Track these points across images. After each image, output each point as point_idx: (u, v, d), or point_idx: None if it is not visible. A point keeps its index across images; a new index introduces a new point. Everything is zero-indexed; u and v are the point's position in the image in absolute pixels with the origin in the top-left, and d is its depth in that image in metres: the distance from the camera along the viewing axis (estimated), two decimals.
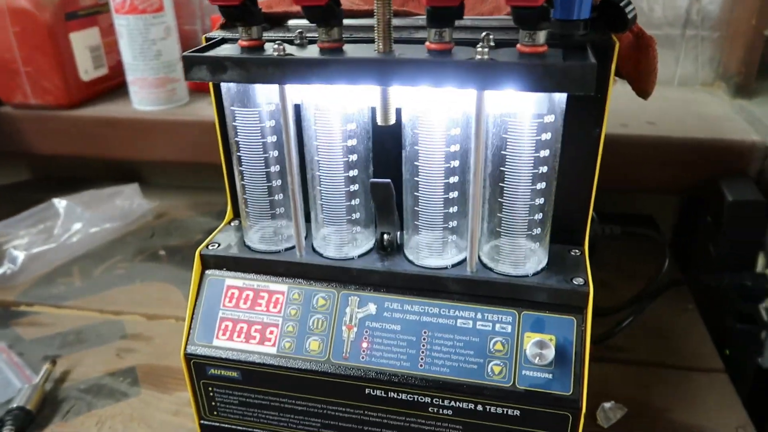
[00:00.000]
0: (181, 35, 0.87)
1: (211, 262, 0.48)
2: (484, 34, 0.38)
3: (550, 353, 0.40)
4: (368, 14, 0.45)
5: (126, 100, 0.88)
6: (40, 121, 0.86)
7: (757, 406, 0.57)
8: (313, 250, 0.47)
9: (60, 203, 0.77)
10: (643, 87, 0.46)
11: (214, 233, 0.50)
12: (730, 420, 0.53)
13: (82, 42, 0.85)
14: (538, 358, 0.40)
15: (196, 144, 0.85)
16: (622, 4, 0.40)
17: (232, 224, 0.52)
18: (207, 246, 0.48)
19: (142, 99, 0.85)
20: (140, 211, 0.83)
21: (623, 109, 0.74)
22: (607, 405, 0.53)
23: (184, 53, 0.40)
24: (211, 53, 0.41)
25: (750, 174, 0.71)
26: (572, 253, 0.46)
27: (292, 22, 0.47)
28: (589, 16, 0.41)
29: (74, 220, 0.76)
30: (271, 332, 0.45)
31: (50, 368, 0.58)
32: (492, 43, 0.37)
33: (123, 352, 0.62)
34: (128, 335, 0.65)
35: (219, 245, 0.48)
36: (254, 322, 0.46)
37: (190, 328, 0.47)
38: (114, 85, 0.92)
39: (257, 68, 0.39)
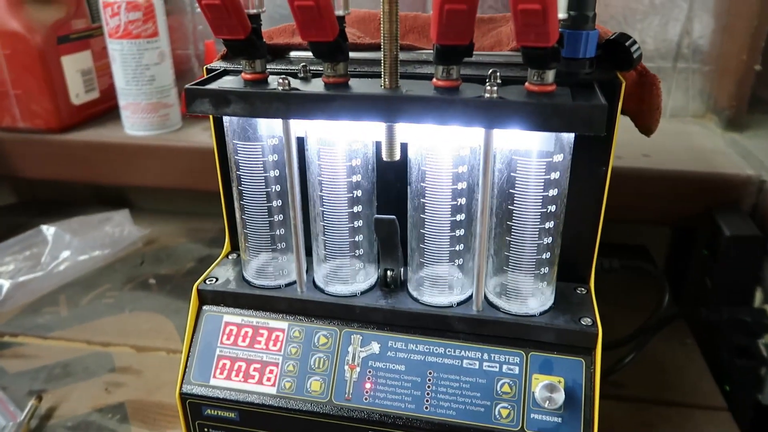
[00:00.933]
0: (174, 60, 0.87)
1: (208, 297, 0.46)
2: (491, 71, 0.38)
3: (560, 397, 0.39)
4: (373, 48, 0.45)
5: (117, 124, 0.87)
6: (28, 145, 0.84)
7: None
8: (315, 286, 0.46)
9: (48, 230, 0.75)
10: (646, 124, 0.46)
11: (211, 267, 0.49)
12: None
13: (74, 65, 0.84)
14: (548, 402, 0.39)
15: (188, 170, 0.84)
16: (627, 43, 0.40)
17: (230, 257, 0.51)
18: (204, 281, 0.47)
19: (134, 124, 0.83)
20: (131, 238, 0.81)
21: (618, 141, 0.74)
22: None
23: (187, 86, 0.40)
24: (214, 85, 0.40)
25: (744, 207, 0.72)
26: (578, 292, 0.45)
27: (293, 54, 0.47)
28: (594, 54, 0.41)
29: (62, 247, 0.74)
30: (271, 371, 0.44)
31: (36, 404, 0.56)
32: (499, 81, 0.37)
33: (112, 387, 0.60)
34: (117, 368, 0.63)
35: (217, 280, 0.47)
36: (253, 360, 0.44)
37: (186, 366, 0.45)
38: (105, 109, 0.91)
39: (261, 103, 0.38)
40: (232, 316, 0.46)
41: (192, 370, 0.45)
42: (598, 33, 0.39)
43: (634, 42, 0.40)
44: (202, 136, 0.85)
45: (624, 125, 0.47)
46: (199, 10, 0.96)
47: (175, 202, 0.98)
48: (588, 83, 0.39)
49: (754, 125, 0.83)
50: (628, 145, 0.77)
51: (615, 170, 0.72)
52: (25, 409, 0.55)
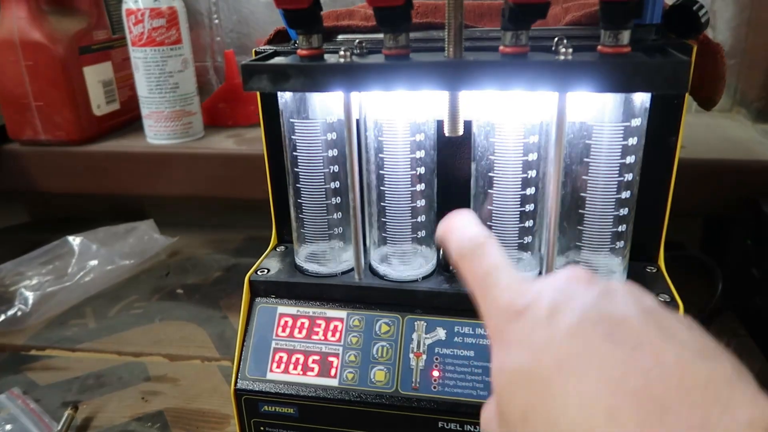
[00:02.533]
0: None
1: (261, 288, 0.44)
2: (556, 38, 0.37)
3: None
4: (434, 27, 0.44)
5: (138, 135, 0.86)
6: (49, 158, 0.83)
7: None
8: (372, 272, 0.44)
9: (74, 240, 0.73)
10: (710, 95, 0.45)
11: (260, 259, 0.47)
12: None
13: (96, 76, 0.83)
14: None
15: (213, 178, 0.82)
16: (695, 8, 0.39)
17: (278, 249, 0.49)
18: (256, 272, 0.45)
19: (157, 133, 0.82)
20: (157, 247, 0.79)
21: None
22: None
23: (243, 62, 0.38)
24: (270, 62, 0.39)
25: None
26: (648, 270, 0.43)
27: (341, 37, 0.46)
28: (660, 20, 0.40)
29: (89, 257, 0.72)
30: (332, 363, 0.42)
31: (72, 414, 0.53)
32: (569, 46, 0.36)
33: (148, 395, 0.58)
34: (152, 377, 0.61)
35: (268, 271, 0.45)
36: (312, 352, 0.42)
37: (240, 361, 0.43)
38: (125, 121, 0.90)
39: (323, 76, 0.37)
40: (286, 307, 0.44)
41: (247, 365, 0.43)
42: None
43: (702, 6, 0.39)
44: (226, 143, 0.83)
45: None
46: (217, 21, 0.96)
47: (197, 213, 0.97)
48: (659, 48, 0.38)
49: None
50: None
51: None
52: (60, 420, 0.52)
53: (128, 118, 0.89)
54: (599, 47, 0.36)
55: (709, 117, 0.88)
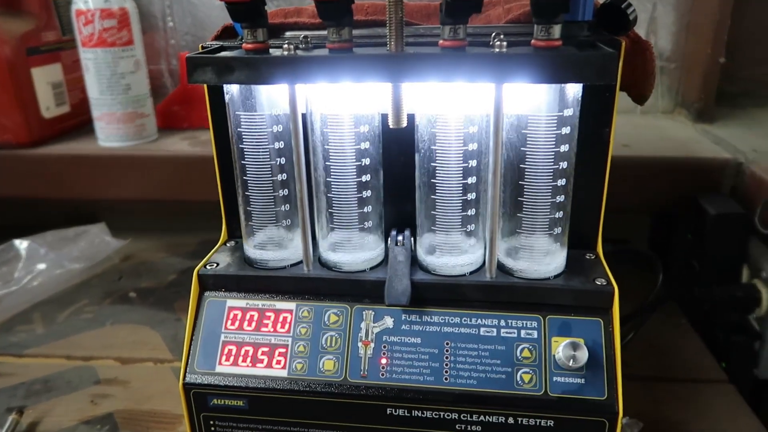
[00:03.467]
0: None
1: (210, 282, 0.44)
2: (494, 33, 0.38)
3: (583, 354, 0.38)
4: (375, 24, 0.45)
5: (90, 138, 0.84)
6: None
7: (757, 417, 0.57)
8: (321, 263, 0.45)
9: (21, 244, 0.71)
10: (641, 91, 0.47)
11: (209, 254, 0.47)
12: (745, 428, 0.52)
13: (44, 78, 0.81)
14: (572, 360, 0.38)
15: (166, 181, 0.81)
16: (623, 6, 0.41)
17: (228, 245, 0.49)
18: (204, 266, 0.45)
19: (109, 135, 0.81)
20: (108, 251, 0.78)
21: None
22: (623, 420, 0.52)
23: (188, 54, 0.39)
24: (215, 56, 0.39)
25: (723, 191, 0.74)
26: (588, 257, 0.45)
27: (288, 34, 0.46)
28: (591, 17, 0.42)
29: (37, 261, 0.70)
30: (281, 354, 0.42)
31: (17, 419, 0.52)
32: (505, 41, 0.37)
33: (98, 398, 0.57)
34: (102, 380, 0.60)
35: (217, 265, 0.45)
36: (261, 344, 0.42)
37: (189, 355, 0.43)
38: (76, 124, 0.88)
39: (267, 68, 0.37)
40: (235, 301, 0.44)
41: (195, 359, 0.43)
42: None
43: (630, 4, 0.41)
44: (180, 145, 0.83)
45: None
46: (171, 24, 0.96)
47: (150, 217, 0.95)
48: (589, 44, 0.40)
49: (723, 116, 0.86)
50: None
51: None
52: (4, 426, 0.51)
53: (79, 122, 0.88)
54: (532, 41, 0.37)
55: (652, 118, 0.92)
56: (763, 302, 0.64)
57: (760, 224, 0.62)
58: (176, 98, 0.90)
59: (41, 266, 0.70)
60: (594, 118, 0.42)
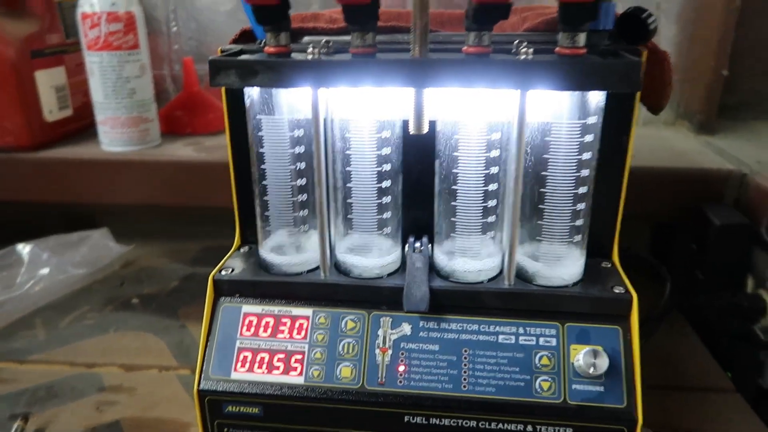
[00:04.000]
0: None
1: (225, 288, 0.44)
2: (517, 41, 0.38)
3: (604, 362, 0.38)
4: (395, 30, 0.45)
5: (92, 142, 0.84)
6: None
7: (766, 426, 0.57)
8: (337, 269, 0.44)
9: (24, 248, 0.70)
10: (657, 100, 0.47)
11: (224, 259, 0.47)
12: None
13: (48, 81, 0.81)
14: (592, 368, 0.38)
15: (170, 186, 0.81)
16: (643, 15, 0.42)
17: (242, 250, 0.48)
18: (220, 271, 0.45)
19: (113, 139, 0.80)
20: (111, 256, 0.77)
21: None
22: (641, 429, 0.52)
23: (211, 57, 0.38)
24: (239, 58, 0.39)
25: (726, 201, 0.74)
26: (604, 266, 0.45)
27: (307, 39, 0.46)
28: (612, 26, 0.42)
29: (40, 266, 0.69)
30: (297, 360, 0.42)
31: (22, 425, 0.51)
32: (530, 47, 0.38)
33: (103, 406, 0.56)
34: (107, 387, 0.59)
35: (233, 270, 0.45)
36: (277, 350, 0.42)
37: (203, 361, 0.42)
38: (78, 128, 0.87)
39: (292, 71, 0.37)
40: (251, 306, 0.44)
41: (210, 365, 0.42)
42: (615, 5, 0.41)
43: (650, 14, 0.42)
44: (184, 150, 0.82)
45: None
46: (175, 29, 0.95)
47: (153, 223, 0.94)
48: (611, 52, 0.40)
49: (725, 128, 0.87)
50: None
51: None
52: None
53: (81, 126, 0.87)
54: (557, 49, 0.37)
55: (654, 129, 0.93)
56: None
57: (766, 234, 0.63)
58: (179, 103, 0.90)
59: (44, 271, 0.69)
60: (614, 127, 0.42)
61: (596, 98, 0.38)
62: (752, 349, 0.66)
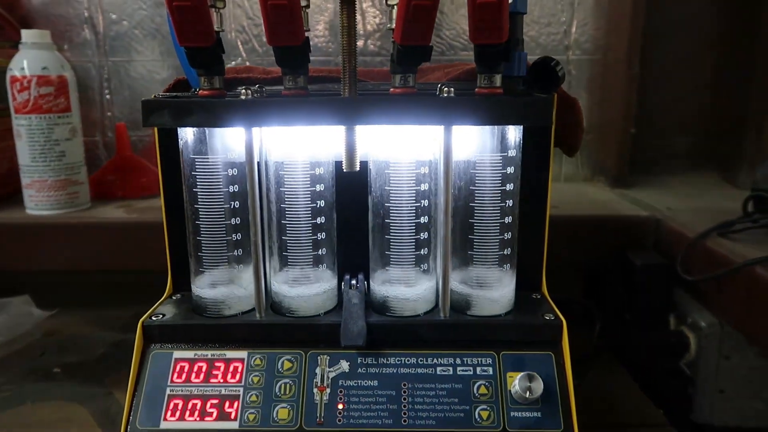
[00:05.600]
0: None
1: (156, 334, 0.43)
2: (440, 84, 0.41)
3: (539, 386, 0.39)
4: (324, 80, 0.47)
5: (16, 208, 0.81)
6: None
7: None
8: (273, 309, 0.44)
9: None
10: (572, 142, 0.51)
11: (154, 306, 0.45)
12: None
13: None
14: (528, 391, 0.39)
15: (99, 250, 0.78)
16: (552, 63, 0.46)
17: (174, 298, 0.47)
18: (150, 317, 0.43)
19: (39, 203, 0.78)
20: (31, 323, 0.72)
21: None
22: None
23: (144, 99, 0.39)
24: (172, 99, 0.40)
25: (647, 245, 0.79)
26: (534, 297, 0.47)
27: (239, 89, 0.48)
28: (525, 73, 0.46)
29: None
30: (231, 405, 0.40)
31: None
32: (451, 89, 0.40)
33: None
34: None
35: (164, 315, 0.43)
36: (210, 396, 0.40)
37: (130, 411, 0.40)
38: (1, 194, 0.84)
39: (225, 111, 0.39)
40: (183, 352, 0.42)
41: (138, 415, 0.40)
42: (527, 54, 0.45)
43: (558, 63, 0.46)
44: (115, 213, 0.81)
45: None
46: (108, 96, 0.96)
47: (79, 290, 0.90)
48: (526, 94, 0.43)
49: (636, 183, 0.94)
50: None
51: None
52: None
53: (5, 191, 0.84)
54: (476, 89, 0.40)
55: (575, 185, 0.99)
56: (692, 347, 0.68)
57: (681, 271, 0.67)
58: (112, 167, 0.89)
59: None
60: (534, 165, 0.45)
61: (514, 134, 0.41)
62: (681, 385, 0.68)
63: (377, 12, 0.94)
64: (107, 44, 0.95)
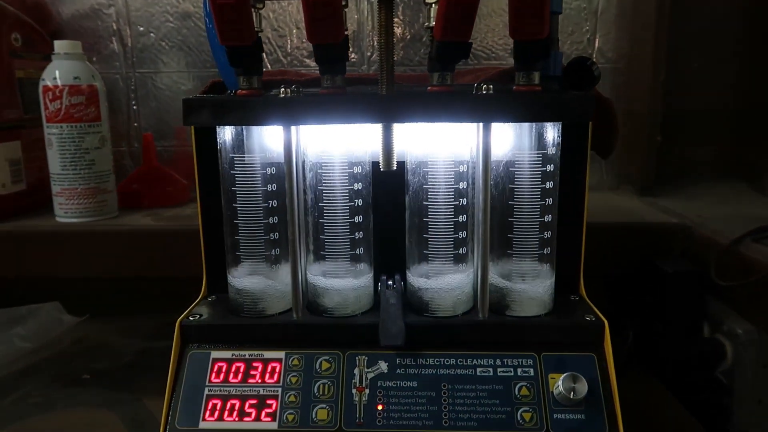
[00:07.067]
0: None
1: (193, 334, 0.42)
2: (476, 83, 0.41)
3: (583, 387, 0.38)
4: (360, 82, 0.47)
5: (46, 216, 0.82)
6: None
7: None
8: (309, 310, 0.44)
9: None
10: (607, 144, 0.51)
11: (191, 307, 0.45)
12: None
13: (3, 154, 0.79)
14: (572, 392, 0.38)
15: (127, 256, 0.79)
16: (588, 63, 0.46)
17: (209, 299, 0.47)
18: (187, 317, 0.43)
19: (68, 211, 0.79)
20: (61, 328, 0.73)
21: None
22: None
23: (185, 98, 0.39)
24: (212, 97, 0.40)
25: (675, 253, 0.78)
26: (572, 298, 0.46)
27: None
28: (560, 72, 0.46)
29: None
30: (270, 405, 0.40)
31: None
32: (490, 86, 0.40)
33: None
34: None
35: (201, 316, 0.43)
36: (249, 396, 0.40)
37: (168, 412, 0.40)
38: (30, 203, 0.85)
39: (264, 109, 0.39)
40: (220, 352, 0.42)
41: (176, 416, 0.40)
42: (562, 55, 0.45)
43: (594, 62, 0.46)
44: (143, 221, 0.81)
45: None
46: (135, 107, 0.97)
47: (107, 297, 0.90)
48: (562, 92, 0.43)
49: (663, 192, 0.93)
50: None
51: None
52: None
53: (34, 200, 0.85)
54: (515, 87, 0.40)
55: (600, 194, 0.98)
56: (728, 356, 0.66)
57: (716, 277, 0.66)
58: (138, 177, 0.90)
59: None
60: (570, 165, 0.45)
61: (552, 133, 0.41)
62: (717, 395, 0.67)
63: (399, 21, 0.95)
64: (134, 56, 0.97)
